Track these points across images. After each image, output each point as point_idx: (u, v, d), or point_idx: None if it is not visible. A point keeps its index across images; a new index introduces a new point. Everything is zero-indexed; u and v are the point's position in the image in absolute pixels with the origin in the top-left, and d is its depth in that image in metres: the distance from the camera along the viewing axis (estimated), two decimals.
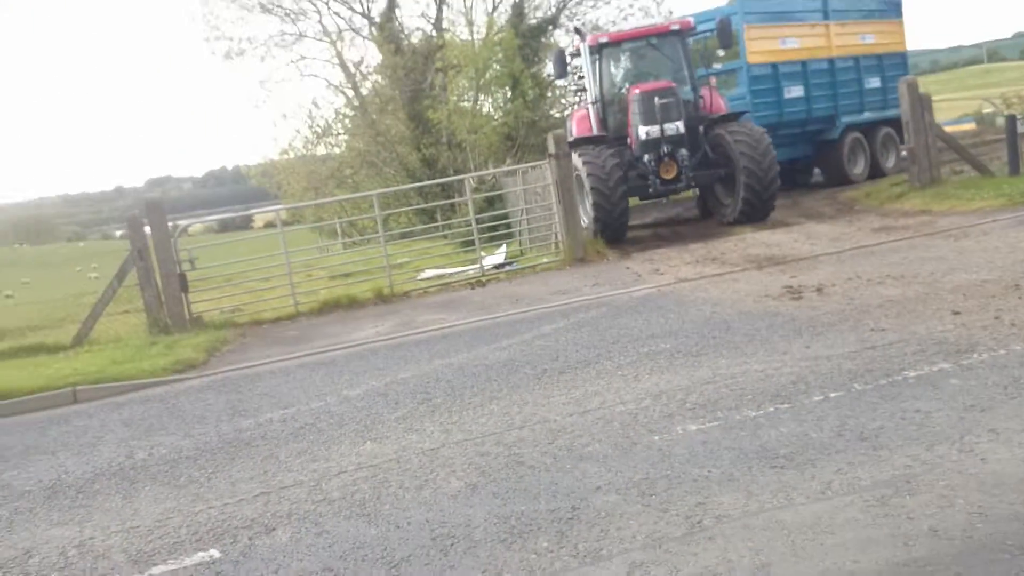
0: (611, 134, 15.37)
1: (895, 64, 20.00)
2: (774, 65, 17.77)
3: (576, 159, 14.27)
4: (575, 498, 4.50)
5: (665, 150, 14.33)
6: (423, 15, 33.40)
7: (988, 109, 30.83)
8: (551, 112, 31.21)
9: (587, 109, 16.19)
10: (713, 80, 16.46)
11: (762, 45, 17.59)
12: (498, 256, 15.60)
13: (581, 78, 16.03)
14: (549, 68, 32.43)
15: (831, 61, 18.68)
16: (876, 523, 3.77)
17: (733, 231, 14.98)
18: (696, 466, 4.69)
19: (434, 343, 9.16)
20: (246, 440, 6.53)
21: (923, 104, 14.57)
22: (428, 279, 14.51)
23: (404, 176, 27.74)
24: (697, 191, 16.49)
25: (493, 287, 12.70)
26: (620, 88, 15.69)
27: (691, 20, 15.84)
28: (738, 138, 14.31)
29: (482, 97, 29.89)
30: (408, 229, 21.87)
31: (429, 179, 24.94)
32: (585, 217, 14.55)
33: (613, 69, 15.96)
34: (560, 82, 20.46)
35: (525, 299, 11.14)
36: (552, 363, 7.44)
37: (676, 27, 15.48)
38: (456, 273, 14.49)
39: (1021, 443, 4.35)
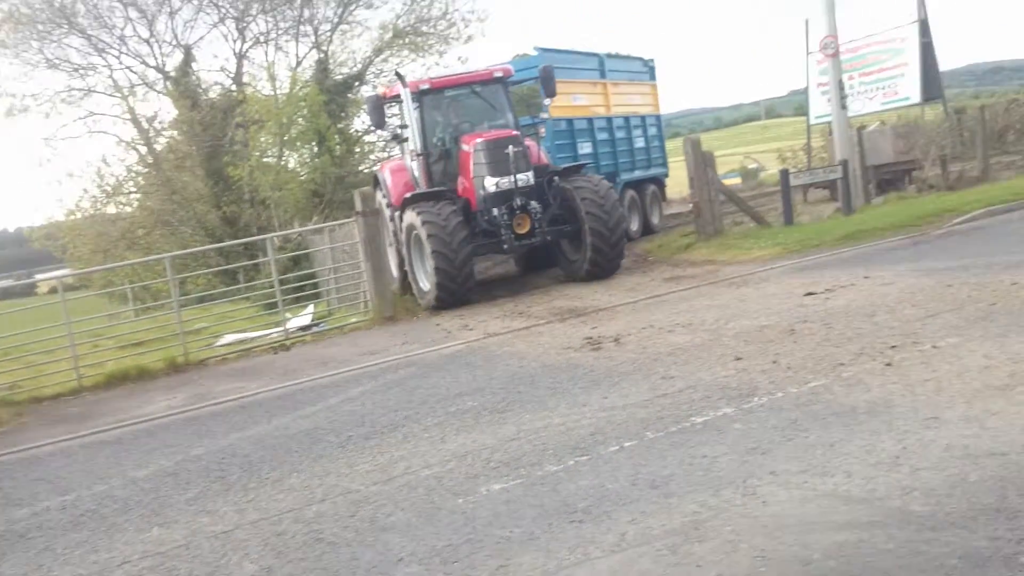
0: (434, 187, 14.35)
1: (654, 125, 20.96)
2: (569, 120, 17.83)
3: (413, 217, 13.24)
4: (376, 573, 4.38)
5: (518, 203, 13.51)
6: (222, 69, 32.67)
7: (752, 165, 33.48)
8: (360, 168, 31.09)
9: (405, 161, 15.23)
10: (542, 131, 15.91)
11: (559, 100, 17.19)
12: (304, 317, 15.20)
13: (403, 127, 14.88)
14: (357, 123, 32.42)
15: (609, 120, 18.99)
16: (667, 573, 3.88)
17: (538, 284, 15.37)
18: (499, 527, 4.69)
19: (231, 415, 8.75)
20: (19, 532, 5.96)
21: (706, 161, 15.59)
22: (227, 345, 13.89)
23: (202, 236, 26.72)
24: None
25: (299, 350, 12.35)
26: (443, 138, 14.78)
27: (511, 67, 15.45)
28: (584, 195, 13.57)
29: (287, 153, 29.42)
30: (206, 292, 21.00)
31: (230, 238, 24.12)
32: (426, 281, 13.60)
33: (437, 118, 14.89)
34: (382, 132, 18.98)
35: (332, 361, 10.89)
36: (358, 429, 7.28)
37: (499, 73, 14.92)
38: (258, 337, 13.98)
39: (799, 484, 4.62)
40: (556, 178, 13.99)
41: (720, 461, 5.10)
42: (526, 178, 13.49)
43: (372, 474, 5.96)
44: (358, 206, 13.31)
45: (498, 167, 13.38)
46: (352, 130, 31.91)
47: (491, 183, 13.44)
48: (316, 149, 28.22)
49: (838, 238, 13.86)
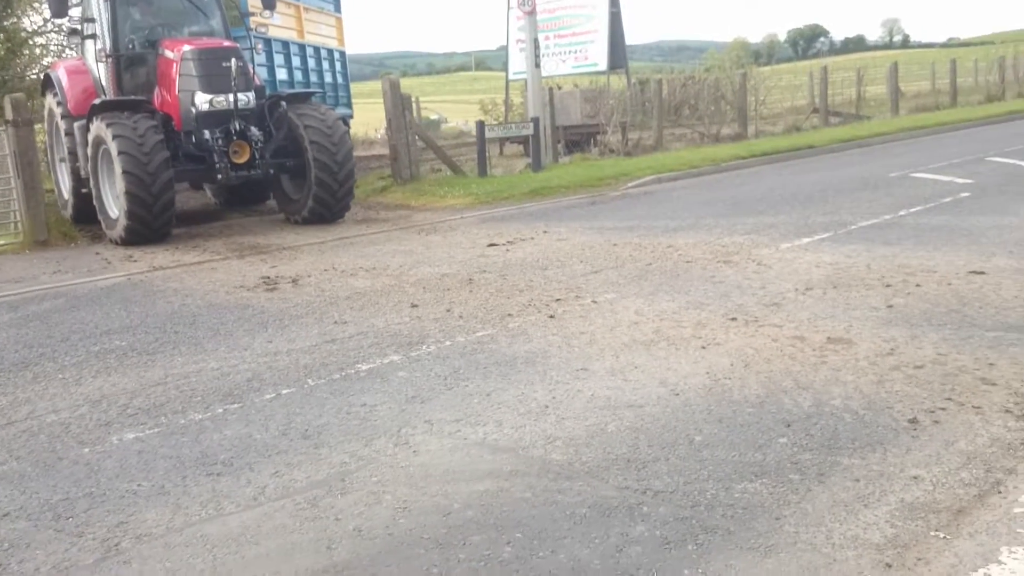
0: (125, 96, 12.33)
1: (340, 61, 19.81)
2: (268, 40, 16.05)
3: (101, 128, 11.25)
4: None
5: (237, 127, 11.80)
6: None
7: (433, 116, 33.89)
8: (28, 73, 27.43)
9: (87, 62, 13.09)
10: (259, 47, 13.99)
11: (255, 17, 15.30)
12: None
13: (89, 21, 12.60)
14: (29, 23, 28.50)
15: (302, 47, 17.67)
16: (303, 528, 3.67)
17: (221, 216, 14.47)
18: (126, 480, 4.23)
19: None
20: None
21: (404, 104, 15.43)
22: None
23: None
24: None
25: None
26: (135, 39, 12.70)
27: None
28: (309, 123, 12.11)
29: None
30: None
31: None
32: (114, 208, 11.70)
33: (132, 15, 12.79)
34: (61, 23, 15.63)
35: None
36: None
37: None
38: None
39: (451, 433, 4.60)
40: (283, 104, 12.53)
41: (378, 410, 4.98)
42: (247, 99, 11.85)
43: None
44: (9, 114, 11.64)
45: (214, 82, 11.61)
46: (19, 30, 28.07)
47: (204, 100, 11.68)
48: None
49: (526, 192, 14.36)
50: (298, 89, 15.14)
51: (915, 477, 3.84)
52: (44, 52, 28.62)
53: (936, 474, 3.86)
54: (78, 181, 12.83)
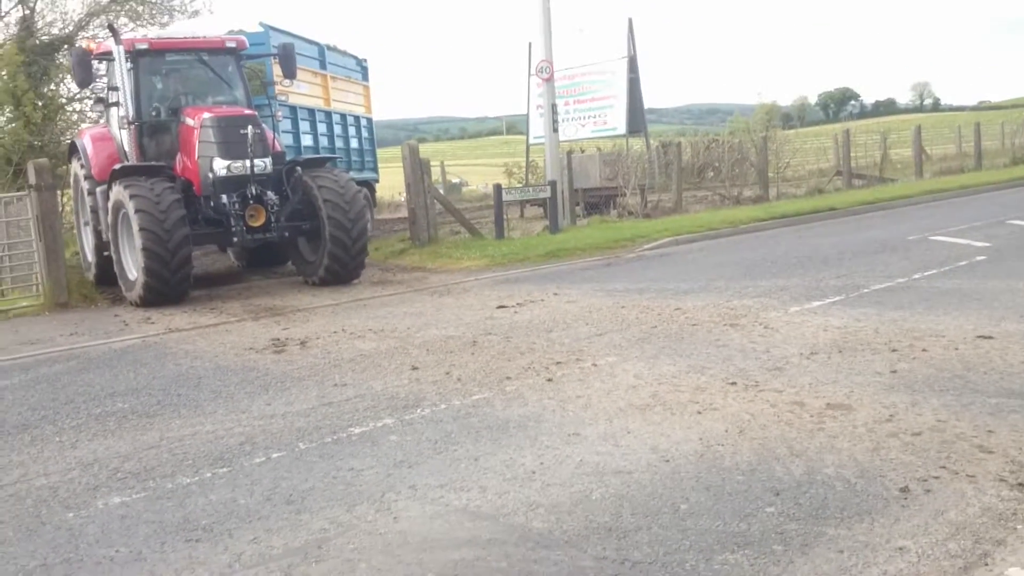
0: (148, 162, 12.64)
1: (367, 127, 20.27)
2: (293, 108, 16.56)
3: (121, 192, 11.57)
4: None
5: (253, 191, 12.09)
6: None
7: (455, 179, 34.31)
8: (63, 138, 28.23)
9: (112, 129, 13.40)
10: (279, 115, 14.25)
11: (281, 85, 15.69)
12: None
13: (114, 90, 12.91)
14: (64, 90, 29.40)
15: (329, 114, 18.14)
16: None
17: (242, 278, 14.65)
18: (105, 546, 4.23)
19: None
20: None
21: (423, 167, 15.64)
22: None
23: None
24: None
25: None
26: (160, 108, 13.08)
27: (245, 39, 13.83)
28: (327, 194, 12.27)
29: None
30: None
31: None
32: (134, 269, 11.88)
33: (155, 84, 13.19)
34: (88, 93, 16.26)
35: None
36: None
37: (232, 44, 13.26)
38: None
39: (434, 499, 4.56)
40: (299, 169, 12.83)
41: (365, 474, 4.95)
42: (263, 164, 12.08)
43: None
44: (32, 178, 11.95)
45: (231, 149, 11.91)
46: (57, 96, 28.98)
47: (222, 166, 11.95)
48: (10, 114, 25.32)
49: (541, 255, 14.40)
50: (322, 154, 15.41)
51: (901, 548, 3.73)
52: (81, 118, 29.53)
53: (923, 545, 3.75)
54: (101, 244, 13.10)
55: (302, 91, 16.99)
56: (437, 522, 4.27)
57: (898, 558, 3.65)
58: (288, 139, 15.98)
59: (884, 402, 5.66)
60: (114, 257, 12.34)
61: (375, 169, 21.07)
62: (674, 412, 5.72)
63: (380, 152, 22.11)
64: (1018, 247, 12.31)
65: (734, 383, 6.30)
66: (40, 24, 29.44)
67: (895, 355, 6.81)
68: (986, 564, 3.56)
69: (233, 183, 12.07)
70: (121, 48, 12.42)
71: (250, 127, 11.88)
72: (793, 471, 4.62)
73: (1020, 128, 35.79)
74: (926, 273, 10.50)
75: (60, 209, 14.81)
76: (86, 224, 14.21)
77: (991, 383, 5.93)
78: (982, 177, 26.00)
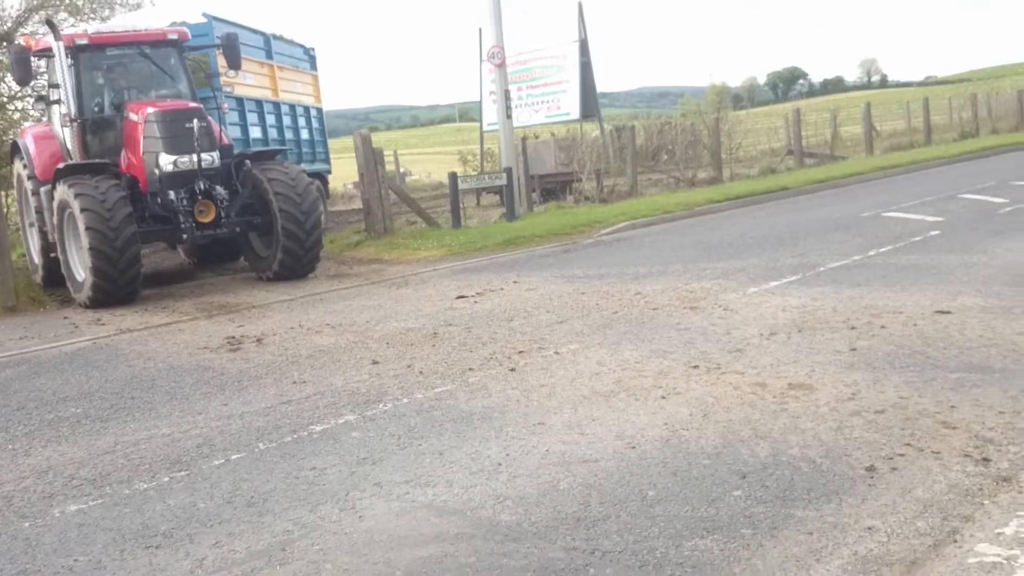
0: (92, 159, 12.29)
1: (316, 117, 20.03)
2: (240, 99, 16.21)
3: (65, 192, 11.29)
4: None
5: (201, 186, 11.84)
6: None
7: (401, 169, 34.02)
8: (5, 137, 27.47)
9: (54, 128, 13.13)
10: (225, 106, 13.97)
11: (226, 77, 15.38)
12: None
13: (55, 87, 12.47)
14: (4, 88, 28.59)
15: (277, 105, 17.83)
16: None
17: (193, 275, 14.39)
18: (63, 555, 4.10)
19: None
20: None
21: (376, 157, 15.46)
22: None
23: None
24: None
25: None
26: (102, 103, 12.79)
27: (187, 31, 13.51)
28: (278, 188, 12.08)
29: None
30: None
31: None
32: (81, 270, 11.63)
33: (97, 80, 12.83)
34: (27, 91, 15.84)
35: None
36: None
37: (173, 36, 12.96)
38: None
39: (400, 496, 4.48)
40: (248, 163, 12.61)
41: (328, 473, 4.86)
42: (211, 159, 11.85)
43: None
44: None
45: (177, 143, 11.66)
46: (2, 89, 28.16)
47: (168, 161, 11.71)
48: None
49: (499, 243, 14.33)
50: (270, 147, 15.16)
51: (870, 528, 3.74)
52: (23, 117, 28.77)
53: (891, 524, 3.76)
54: (47, 245, 12.78)
55: (248, 82, 16.71)
56: (404, 519, 4.19)
57: (868, 538, 3.66)
58: (236, 132, 15.68)
59: (846, 380, 5.69)
60: (61, 258, 12.05)
61: (327, 160, 20.80)
62: (638, 398, 5.70)
63: (331, 143, 21.85)
64: (970, 221, 12.52)
65: (696, 366, 6.30)
66: None
67: (854, 333, 6.86)
68: (955, 541, 3.58)
69: (180, 178, 11.81)
70: (61, 44, 12.05)
71: (196, 120, 11.63)
72: (758, 453, 4.62)
73: (967, 102, 36.45)
74: (881, 250, 10.62)
75: (4, 211, 14.41)
76: (31, 225, 13.84)
77: (951, 358, 5.99)
78: (932, 152, 26.43)
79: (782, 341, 6.81)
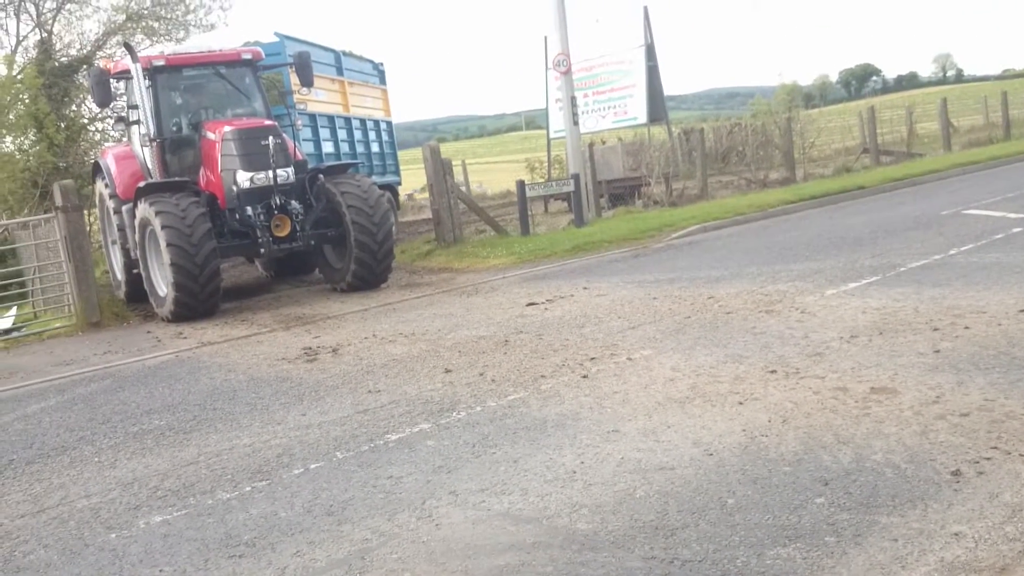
0: (171, 178, 12.69)
1: (386, 131, 20.32)
2: (312, 116, 16.64)
3: (146, 210, 11.65)
4: None
5: (277, 201, 12.14)
6: None
7: (476, 186, 34.16)
8: (87, 159, 28.49)
9: (134, 148, 13.56)
10: (299, 123, 14.24)
11: (299, 94, 15.82)
12: (6, 320, 13.63)
13: (134, 108, 12.88)
14: (86, 110, 29.66)
15: (348, 120, 18.19)
16: None
17: (271, 288, 14.70)
18: (149, 565, 4.21)
19: None
20: None
21: (445, 168, 15.59)
22: None
23: None
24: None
25: None
26: (180, 123, 13.13)
27: (260, 50, 13.79)
28: (351, 201, 12.31)
29: (9, 137, 26.44)
30: None
31: None
32: (163, 285, 11.99)
33: (174, 100, 13.18)
34: (108, 112, 16.48)
35: (20, 372, 9.78)
36: (23, 451, 6.47)
37: (248, 56, 13.28)
38: None
39: (475, 504, 4.50)
40: (321, 177, 12.88)
41: (404, 482, 4.90)
42: (286, 174, 12.13)
43: (22, 505, 5.26)
44: (58, 200, 12.03)
45: (253, 160, 11.96)
46: (79, 117, 29.26)
47: (245, 178, 12.02)
48: (34, 137, 25.63)
49: (568, 249, 14.31)
50: (343, 161, 15.42)
51: (956, 534, 3.62)
52: (103, 138, 29.80)
53: (979, 530, 3.63)
54: (129, 262, 13.22)
55: (320, 98, 17.07)
56: (480, 527, 4.20)
57: (955, 544, 3.54)
58: (309, 147, 16.04)
59: (929, 383, 5.52)
60: (143, 274, 12.45)
61: (397, 172, 21.09)
62: (714, 404, 5.62)
63: (401, 154, 22.13)
64: None
65: (774, 371, 6.18)
66: (58, 46, 29.70)
67: (937, 334, 6.66)
68: None
69: (257, 194, 12.11)
70: (138, 66, 12.47)
71: (271, 137, 11.89)
72: (841, 459, 4.51)
73: None
74: (962, 248, 10.29)
75: (87, 229, 14.94)
76: (114, 243, 14.33)
77: None
78: (1012, 147, 25.52)
79: (863, 344, 6.64)
